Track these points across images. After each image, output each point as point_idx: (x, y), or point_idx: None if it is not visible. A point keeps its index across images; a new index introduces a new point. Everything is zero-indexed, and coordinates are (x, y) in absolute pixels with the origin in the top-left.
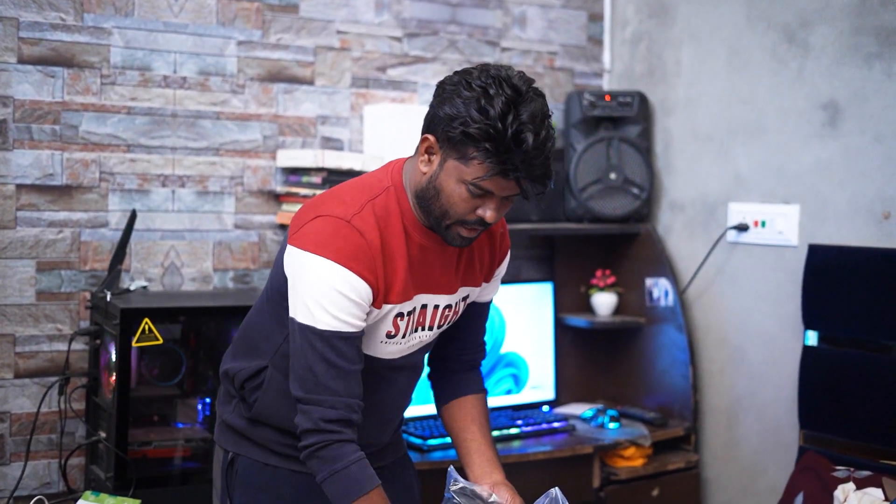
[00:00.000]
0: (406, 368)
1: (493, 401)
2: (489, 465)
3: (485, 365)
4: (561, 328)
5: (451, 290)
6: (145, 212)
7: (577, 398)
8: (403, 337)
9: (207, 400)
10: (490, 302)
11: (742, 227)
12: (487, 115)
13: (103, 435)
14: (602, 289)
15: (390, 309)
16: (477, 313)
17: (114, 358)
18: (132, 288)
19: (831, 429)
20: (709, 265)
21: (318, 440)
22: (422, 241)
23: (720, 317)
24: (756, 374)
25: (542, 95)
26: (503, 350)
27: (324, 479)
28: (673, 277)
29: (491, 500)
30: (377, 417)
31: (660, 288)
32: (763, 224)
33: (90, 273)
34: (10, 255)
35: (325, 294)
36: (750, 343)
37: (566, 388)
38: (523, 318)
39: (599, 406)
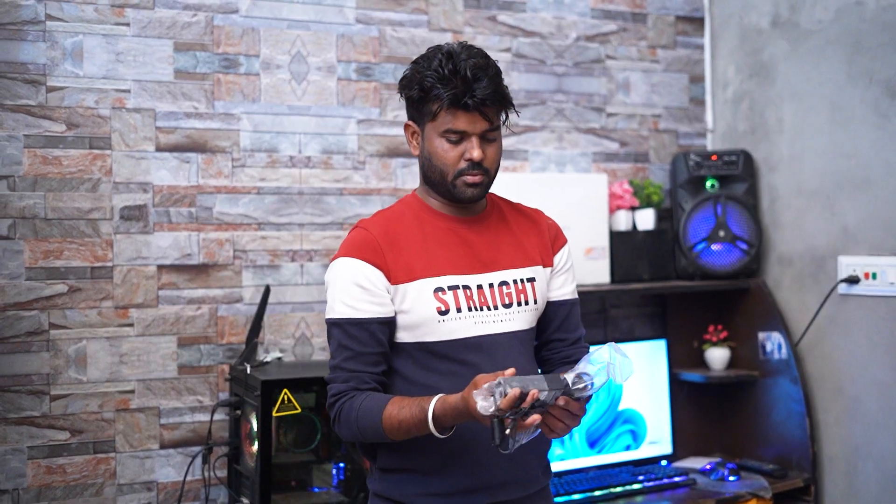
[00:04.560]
0: (498, 351)
1: (613, 457)
2: None
3: (604, 422)
4: (676, 383)
5: (499, 267)
6: (276, 286)
7: (693, 452)
8: (460, 311)
9: (342, 465)
10: (571, 302)
11: (853, 280)
12: (430, 66)
13: (246, 501)
14: (715, 343)
15: (421, 284)
16: (557, 314)
17: (255, 427)
18: (267, 359)
19: None
20: (820, 317)
21: (335, 410)
22: (448, 226)
23: (834, 367)
24: (874, 423)
25: (480, 50)
26: (621, 407)
27: (354, 434)
28: (785, 330)
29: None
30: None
31: (773, 341)
32: (874, 276)
33: (227, 346)
34: (154, 332)
35: (340, 287)
36: (866, 393)
37: (683, 443)
38: (639, 375)
39: (718, 459)
